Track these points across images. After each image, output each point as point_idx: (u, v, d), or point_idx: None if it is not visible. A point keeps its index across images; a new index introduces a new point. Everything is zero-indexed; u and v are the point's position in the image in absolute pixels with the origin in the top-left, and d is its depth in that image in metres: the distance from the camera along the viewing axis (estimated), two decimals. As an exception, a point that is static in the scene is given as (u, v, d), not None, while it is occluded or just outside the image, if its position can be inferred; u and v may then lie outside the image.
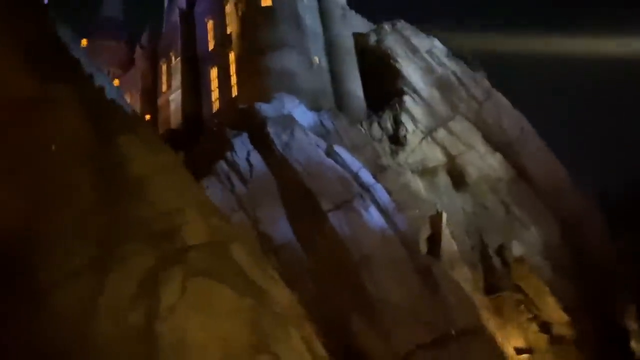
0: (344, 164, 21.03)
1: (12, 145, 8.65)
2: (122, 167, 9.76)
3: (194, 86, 33.93)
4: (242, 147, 19.91)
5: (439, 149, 31.22)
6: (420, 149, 30.77)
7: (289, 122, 21.29)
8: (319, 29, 32.52)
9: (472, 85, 34.67)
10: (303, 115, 23.79)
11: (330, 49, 32.17)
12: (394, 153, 29.94)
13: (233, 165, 19.37)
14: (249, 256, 9.56)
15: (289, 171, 19.14)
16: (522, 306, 25.54)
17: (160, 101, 36.35)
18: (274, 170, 19.36)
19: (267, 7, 28.95)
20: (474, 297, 22.82)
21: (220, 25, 33.58)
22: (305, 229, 17.84)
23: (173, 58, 36.06)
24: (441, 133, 31.56)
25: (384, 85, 32.82)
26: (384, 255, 18.80)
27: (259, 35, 27.96)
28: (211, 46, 34.40)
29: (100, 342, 6.27)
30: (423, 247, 24.44)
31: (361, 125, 29.91)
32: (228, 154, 19.66)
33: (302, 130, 20.90)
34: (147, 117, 35.56)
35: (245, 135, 20.55)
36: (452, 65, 35.42)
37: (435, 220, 26.12)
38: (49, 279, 7.44)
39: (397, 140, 30.66)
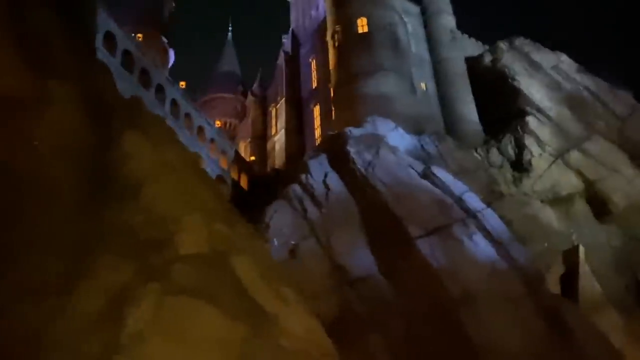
0: (443, 187, 17.98)
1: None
2: (120, 168, 8.45)
3: (298, 126, 33.61)
4: (318, 169, 17.84)
5: (573, 173, 26.94)
6: (550, 174, 26.73)
7: (374, 140, 18.85)
8: (425, 54, 30.89)
9: (611, 101, 29.85)
10: (400, 139, 21.40)
11: (440, 73, 30.28)
12: (517, 180, 26.24)
13: (307, 189, 17.31)
14: (258, 273, 7.53)
15: (371, 193, 16.54)
16: (700, 364, 19.73)
17: (269, 144, 36.25)
18: (354, 192, 16.91)
19: (363, 34, 27.55)
20: (626, 348, 18.03)
21: (324, 64, 32.92)
22: (389, 258, 14.95)
23: (279, 101, 36.00)
24: (575, 155, 27.29)
25: (502, 107, 29.34)
26: (493, 292, 15.29)
27: (355, 62, 26.50)
28: (314, 84, 33.82)
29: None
30: (555, 286, 20.29)
31: (476, 152, 26.70)
32: (302, 176, 17.68)
33: (389, 149, 18.29)
34: (252, 158, 35.56)
35: (323, 157, 18.51)
36: (585, 80, 30.90)
37: (570, 255, 22.16)
38: (3, 297, 6.10)
39: (520, 166, 26.84)
